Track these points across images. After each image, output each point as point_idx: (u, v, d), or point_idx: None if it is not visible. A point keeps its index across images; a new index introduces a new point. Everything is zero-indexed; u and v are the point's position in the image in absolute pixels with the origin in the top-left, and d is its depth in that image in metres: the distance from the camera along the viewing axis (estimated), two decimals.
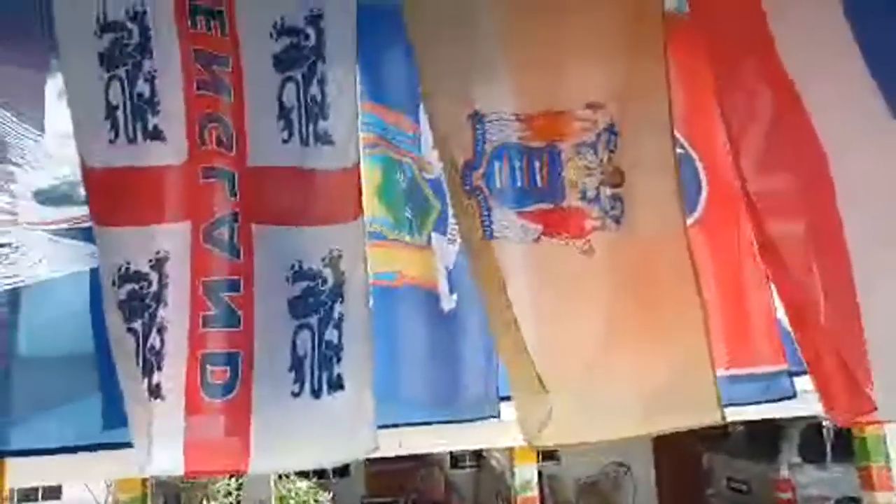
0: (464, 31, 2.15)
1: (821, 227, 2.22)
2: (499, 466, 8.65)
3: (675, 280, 2.16)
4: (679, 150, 2.26)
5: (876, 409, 2.05)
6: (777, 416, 3.20)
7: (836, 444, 7.07)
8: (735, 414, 2.33)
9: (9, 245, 2.13)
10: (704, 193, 2.52)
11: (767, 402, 2.53)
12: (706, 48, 2.30)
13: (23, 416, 2.09)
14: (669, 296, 2.16)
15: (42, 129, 2.18)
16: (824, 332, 2.12)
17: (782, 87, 2.31)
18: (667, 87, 2.19)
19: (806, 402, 2.43)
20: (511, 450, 4.64)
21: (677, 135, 2.25)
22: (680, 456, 8.53)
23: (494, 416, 2.38)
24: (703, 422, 2.13)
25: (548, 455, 8.63)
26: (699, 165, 2.54)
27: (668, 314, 2.15)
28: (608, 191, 2.16)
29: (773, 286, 2.36)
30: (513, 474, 4.54)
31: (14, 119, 2.16)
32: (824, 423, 5.49)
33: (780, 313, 2.38)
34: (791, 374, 2.49)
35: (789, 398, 2.51)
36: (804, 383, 2.29)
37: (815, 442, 7.41)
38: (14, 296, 2.12)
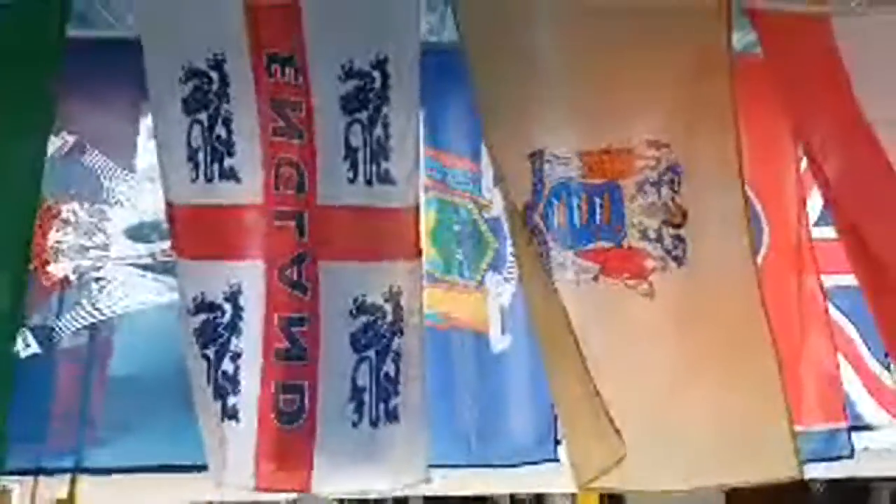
0: (525, 69, 2.17)
1: None
2: None
3: (745, 326, 2.08)
4: None
5: None
6: (864, 474, 2.97)
7: None
8: (817, 471, 2.20)
9: (104, 279, 2.34)
10: (766, 241, 2.42)
11: (822, 461, 2.38)
12: (780, 89, 2.25)
13: (106, 437, 2.23)
14: (740, 342, 2.07)
15: (133, 170, 2.38)
16: None
17: (859, 126, 2.23)
18: (734, 126, 2.14)
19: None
20: (573, 496, 4.47)
21: None
22: None
23: (552, 460, 2.33)
24: (779, 476, 2.03)
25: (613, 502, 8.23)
26: (761, 212, 2.45)
27: (739, 362, 2.06)
28: (670, 230, 2.13)
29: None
30: None
31: (108, 161, 2.37)
32: None
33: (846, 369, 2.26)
34: (853, 430, 2.40)
35: (847, 457, 2.39)
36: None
37: None
38: (109, 325, 2.31)
